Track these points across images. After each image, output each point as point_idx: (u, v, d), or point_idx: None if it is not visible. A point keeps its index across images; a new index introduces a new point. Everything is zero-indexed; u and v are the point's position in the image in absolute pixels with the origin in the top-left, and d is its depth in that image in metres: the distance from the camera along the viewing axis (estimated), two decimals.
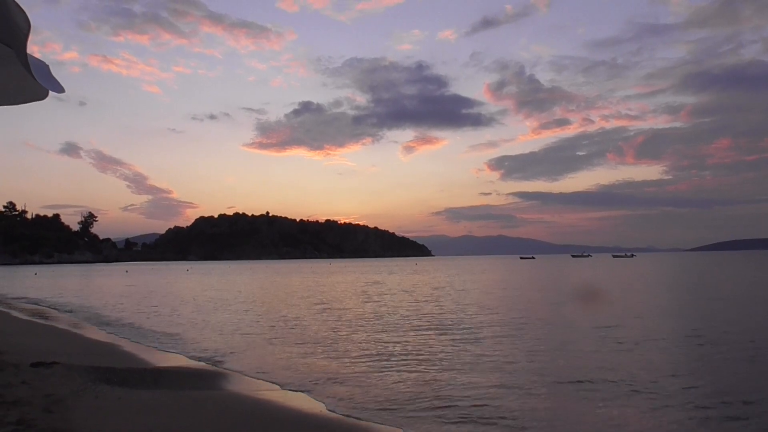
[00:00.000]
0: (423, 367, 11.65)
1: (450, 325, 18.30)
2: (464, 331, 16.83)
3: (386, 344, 14.67)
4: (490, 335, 15.83)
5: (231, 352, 13.89)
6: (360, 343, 15.07)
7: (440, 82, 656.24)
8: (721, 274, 54.84)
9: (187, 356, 13.39)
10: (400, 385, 10.03)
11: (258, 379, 10.84)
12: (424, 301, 27.66)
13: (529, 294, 32.84)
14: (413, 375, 10.88)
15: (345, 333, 16.99)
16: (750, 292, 32.08)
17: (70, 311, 25.65)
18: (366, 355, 13.22)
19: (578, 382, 10.06)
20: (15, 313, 24.29)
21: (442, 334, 16.23)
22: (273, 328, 18.37)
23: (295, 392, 9.70)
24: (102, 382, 9.29)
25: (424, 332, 16.75)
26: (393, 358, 12.59)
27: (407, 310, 23.63)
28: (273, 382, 10.49)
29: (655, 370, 11.08)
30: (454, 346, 14.21)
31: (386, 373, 11.06)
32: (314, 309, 24.77)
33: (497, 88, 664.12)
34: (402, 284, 44.73)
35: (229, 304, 28.07)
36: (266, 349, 14.42)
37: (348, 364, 12.05)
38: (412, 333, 16.68)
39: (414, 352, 13.37)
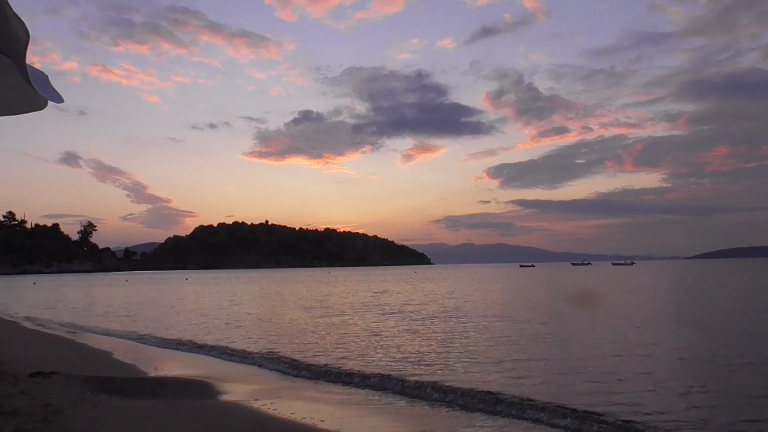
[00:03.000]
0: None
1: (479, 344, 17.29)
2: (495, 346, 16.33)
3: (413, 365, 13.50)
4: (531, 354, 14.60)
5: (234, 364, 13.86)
6: (374, 360, 14.92)
7: (440, 90, 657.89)
8: (729, 284, 54.64)
9: (186, 367, 13.37)
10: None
11: (257, 390, 10.81)
12: (442, 314, 27.03)
13: (546, 305, 32.41)
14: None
15: (359, 348, 16.90)
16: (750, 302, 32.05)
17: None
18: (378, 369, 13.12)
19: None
20: (21, 323, 24.26)
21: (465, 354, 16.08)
22: (274, 342, 18.30)
23: (293, 404, 9.68)
24: (100, 392, 9.27)
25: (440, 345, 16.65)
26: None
27: (424, 323, 23.49)
28: (273, 395, 10.46)
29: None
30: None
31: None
32: (321, 319, 24.71)
33: (496, 97, 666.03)
34: (410, 294, 44.26)
35: (234, 315, 28.01)
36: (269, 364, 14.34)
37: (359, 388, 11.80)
38: (425, 347, 16.59)
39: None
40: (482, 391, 9.95)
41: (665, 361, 13.14)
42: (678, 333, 18.17)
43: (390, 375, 11.56)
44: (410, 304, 31.28)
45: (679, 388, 10.20)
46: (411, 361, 13.23)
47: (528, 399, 9.31)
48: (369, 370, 12.15)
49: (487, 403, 9.28)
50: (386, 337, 17.77)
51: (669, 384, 10.55)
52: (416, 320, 22.54)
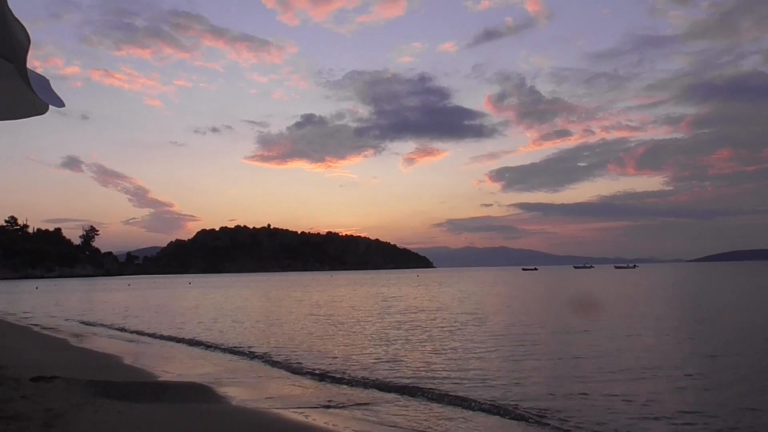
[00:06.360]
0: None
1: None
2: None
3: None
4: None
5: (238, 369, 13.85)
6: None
7: (442, 93, 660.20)
8: (733, 287, 54.41)
9: (191, 370, 13.36)
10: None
11: (260, 393, 10.79)
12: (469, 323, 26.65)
13: (562, 312, 31.92)
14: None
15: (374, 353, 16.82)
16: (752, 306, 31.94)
17: None
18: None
19: None
20: (24, 327, 24.25)
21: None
22: (280, 346, 18.26)
23: (297, 408, 9.65)
24: (102, 396, 9.24)
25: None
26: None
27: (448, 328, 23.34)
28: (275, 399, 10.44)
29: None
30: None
31: None
32: (327, 324, 24.67)
33: (498, 100, 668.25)
34: (419, 299, 43.87)
35: (243, 320, 27.97)
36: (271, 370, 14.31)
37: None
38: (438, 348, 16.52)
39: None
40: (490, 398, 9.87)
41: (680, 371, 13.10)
42: (690, 340, 18.13)
43: (396, 380, 11.50)
44: (422, 310, 31.25)
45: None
46: (424, 368, 13.22)
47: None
48: (375, 375, 12.13)
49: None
50: (394, 341, 17.75)
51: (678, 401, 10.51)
52: (427, 327, 22.50)
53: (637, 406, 9.18)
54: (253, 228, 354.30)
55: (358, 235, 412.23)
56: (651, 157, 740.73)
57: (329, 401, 9.97)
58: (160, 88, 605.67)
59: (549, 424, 8.26)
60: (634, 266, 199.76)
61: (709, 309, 28.25)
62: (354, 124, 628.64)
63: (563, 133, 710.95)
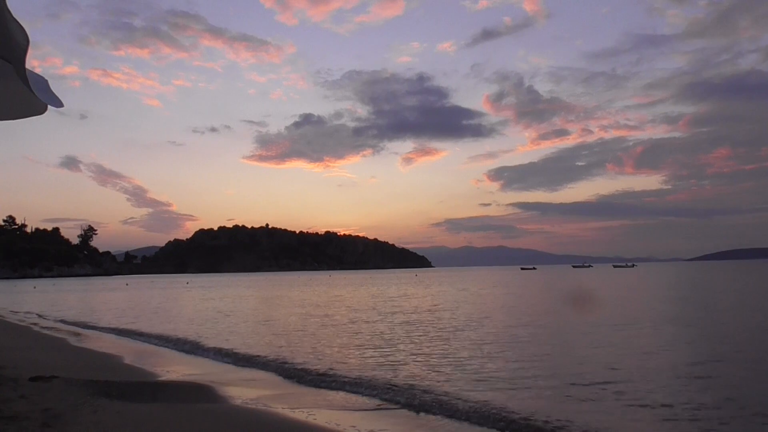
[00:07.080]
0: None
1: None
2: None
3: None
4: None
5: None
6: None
7: (440, 93, 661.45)
8: (731, 286, 54.44)
9: (190, 370, 13.35)
10: None
11: (260, 393, 10.78)
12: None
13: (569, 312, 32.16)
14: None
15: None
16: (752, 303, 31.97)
17: None
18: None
19: None
20: (24, 327, 24.21)
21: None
22: (280, 347, 18.25)
23: (297, 408, 9.65)
24: (101, 396, 9.24)
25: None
26: None
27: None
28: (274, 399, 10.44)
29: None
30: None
31: None
32: (328, 325, 24.63)
33: (497, 99, 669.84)
34: (418, 299, 44.07)
35: (242, 320, 27.91)
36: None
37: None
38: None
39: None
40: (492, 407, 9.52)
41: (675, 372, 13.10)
42: (689, 342, 18.15)
43: (398, 384, 11.22)
44: (420, 310, 31.24)
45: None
46: (423, 369, 13.21)
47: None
48: (377, 377, 12.02)
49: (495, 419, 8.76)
50: (392, 342, 17.74)
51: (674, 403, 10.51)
52: (426, 327, 22.50)
53: (643, 410, 9.18)
54: (252, 228, 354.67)
55: (356, 234, 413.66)
56: (649, 156, 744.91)
57: (329, 401, 9.99)
58: (159, 87, 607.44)
59: None
60: (633, 265, 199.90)
61: (708, 308, 28.26)
62: (352, 124, 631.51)
63: (561, 133, 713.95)
